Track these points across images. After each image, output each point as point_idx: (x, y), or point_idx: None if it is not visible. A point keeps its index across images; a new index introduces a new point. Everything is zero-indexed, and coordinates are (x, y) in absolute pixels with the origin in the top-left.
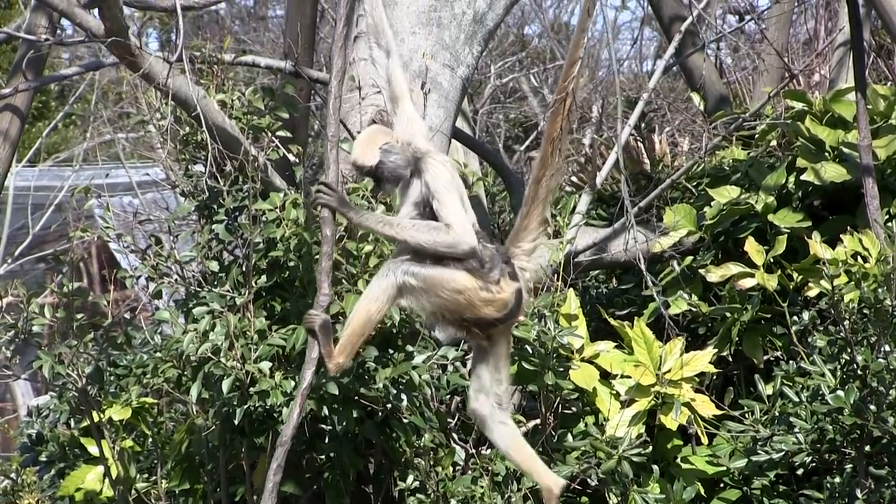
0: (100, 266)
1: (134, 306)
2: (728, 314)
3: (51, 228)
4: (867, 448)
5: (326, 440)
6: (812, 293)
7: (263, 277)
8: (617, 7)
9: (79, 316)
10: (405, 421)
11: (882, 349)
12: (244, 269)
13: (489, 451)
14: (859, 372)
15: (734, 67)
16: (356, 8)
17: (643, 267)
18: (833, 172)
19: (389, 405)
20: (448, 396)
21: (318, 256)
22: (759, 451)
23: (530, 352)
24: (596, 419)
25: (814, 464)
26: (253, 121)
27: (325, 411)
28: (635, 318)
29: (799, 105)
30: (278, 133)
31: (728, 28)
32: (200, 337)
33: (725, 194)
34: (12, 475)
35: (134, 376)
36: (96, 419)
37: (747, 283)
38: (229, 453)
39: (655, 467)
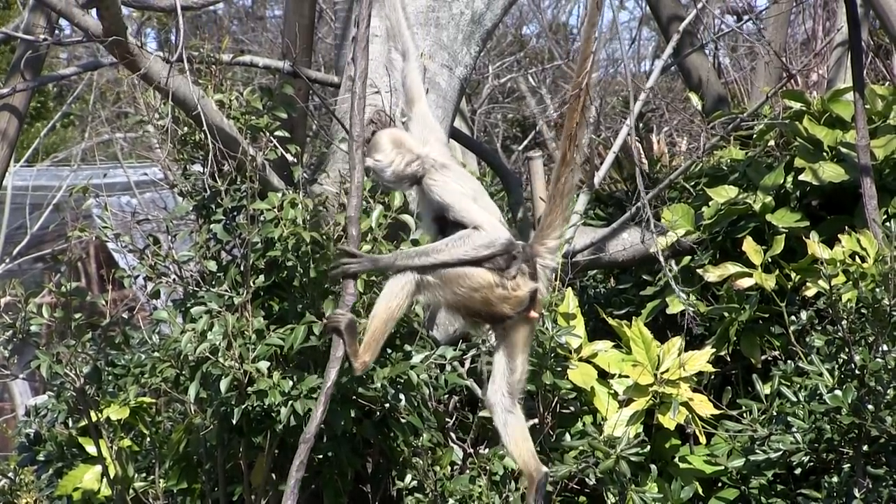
0: (98, 266)
1: (132, 306)
2: (726, 314)
3: (49, 228)
4: (865, 447)
5: (324, 439)
6: (810, 293)
7: (261, 277)
8: (615, 7)
9: (77, 315)
10: (403, 420)
11: (880, 349)
12: (242, 268)
13: (487, 450)
14: (857, 371)
15: (732, 67)
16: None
17: (661, 259)
18: (831, 172)
19: (387, 405)
20: (446, 396)
21: (316, 256)
22: (757, 451)
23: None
24: (594, 419)
25: (812, 463)
26: (251, 121)
27: None
28: (633, 317)
29: (797, 105)
30: (276, 133)
31: (726, 28)
32: (198, 336)
33: (723, 194)
34: (10, 474)
35: (132, 376)
36: (94, 419)
37: (745, 282)
38: (227, 453)
39: (653, 467)
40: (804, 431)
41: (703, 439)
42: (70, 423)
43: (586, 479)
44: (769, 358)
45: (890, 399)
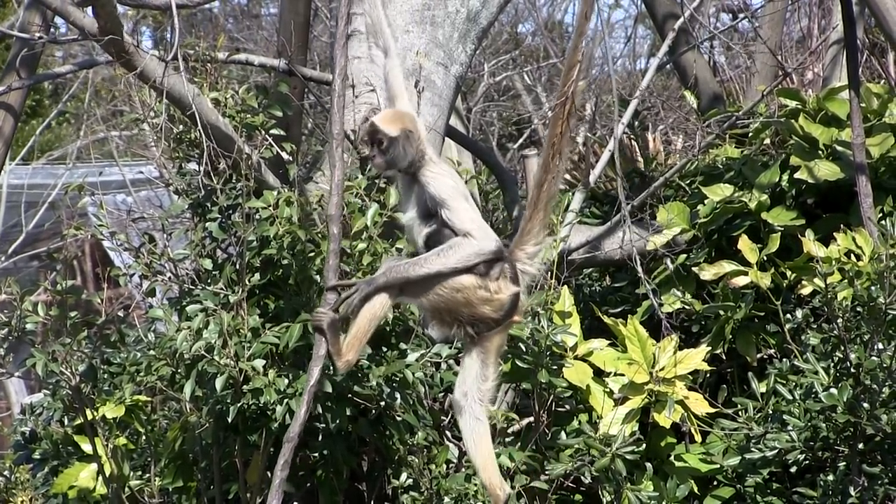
0: (93, 264)
1: (127, 304)
2: (722, 312)
3: (44, 226)
4: (860, 446)
5: (320, 438)
6: (805, 291)
7: (257, 275)
8: (610, 5)
9: (72, 314)
10: (398, 419)
11: (875, 347)
12: (238, 266)
13: None
14: (852, 370)
15: (728, 66)
16: (353, 6)
17: (637, 265)
18: (826, 170)
19: (383, 403)
20: (441, 394)
21: (312, 255)
22: (753, 449)
23: (524, 349)
24: (589, 417)
25: (807, 461)
26: (246, 119)
27: (319, 409)
28: (629, 315)
29: (792, 103)
30: (272, 131)
31: (721, 26)
32: (194, 335)
33: (719, 192)
34: (6, 473)
35: (127, 374)
36: (90, 417)
37: (741, 281)
38: (223, 451)
39: (649, 465)
40: (800, 430)
41: (698, 437)
42: (66, 422)
43: (582, 478)
44: (765, 356)
45: (885, 397)
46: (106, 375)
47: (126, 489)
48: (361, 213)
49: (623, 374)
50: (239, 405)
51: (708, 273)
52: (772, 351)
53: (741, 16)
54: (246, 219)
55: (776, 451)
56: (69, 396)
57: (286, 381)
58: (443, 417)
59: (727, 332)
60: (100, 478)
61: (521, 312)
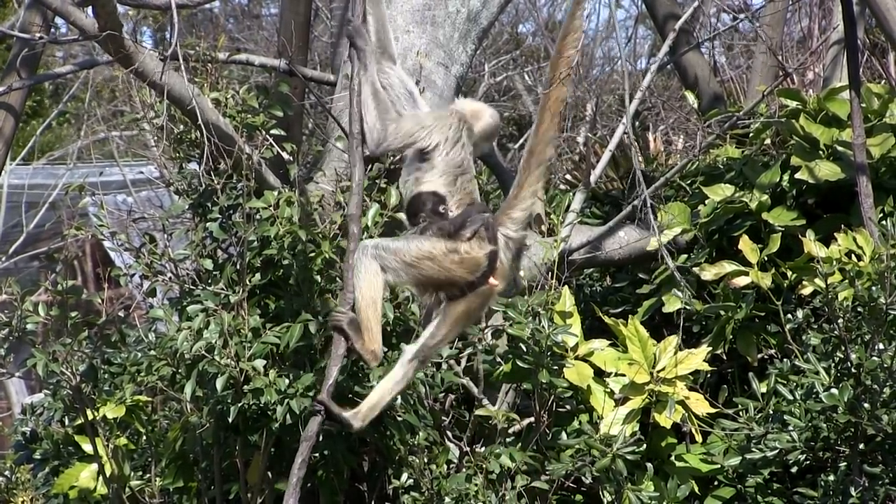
0: (94, 264)
1: (128, 304)
2: (722, 312)
3: (45, 226)
4: (861, 446)
5: (321, 438)
6: (806, 291)
7: (257, 275)
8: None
9: (73, 314)
10: (399, 419)
11: (876, 347)
12: (238, 267)
13: (483, 449)
14: (853, 370)
15: (728, 66)
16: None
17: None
18: (827, 171)
19: None
20: (442, 394)
21: (312, 255)
22: (754, 449)
23: (525, 350)
24: (590, 417)
25: (808, 462)
26: (247, 119)
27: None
28: (629, 316)
29: (793, 103)
30: (272, 131)
31: (722, 26)
32: (194, 335)
33: (720, 192)
34: (6, 473)
35: (128, 374)
36: (90, 417)
37: (741, 281)
38: (223, 451)
39: (649, 465)
40: (800, 430)
41: (699, 438)
42: (66, 422)
43: (583, 478)
44: (765, 356)
45: (886, 397)
46: (106, 375)
47: (126, 489)
48: (363, 212)
49: (624, 375)
50: (239, 405)
51: (709, 273)
52: (772, 351)
53: (742, 16)
54: (247, 219)
55: (777, 451)
56: (70, 396)
57: (287, 381)
58: (443, 418)
59: (728, 333)
60: (100, 478)
61: (502, 277)
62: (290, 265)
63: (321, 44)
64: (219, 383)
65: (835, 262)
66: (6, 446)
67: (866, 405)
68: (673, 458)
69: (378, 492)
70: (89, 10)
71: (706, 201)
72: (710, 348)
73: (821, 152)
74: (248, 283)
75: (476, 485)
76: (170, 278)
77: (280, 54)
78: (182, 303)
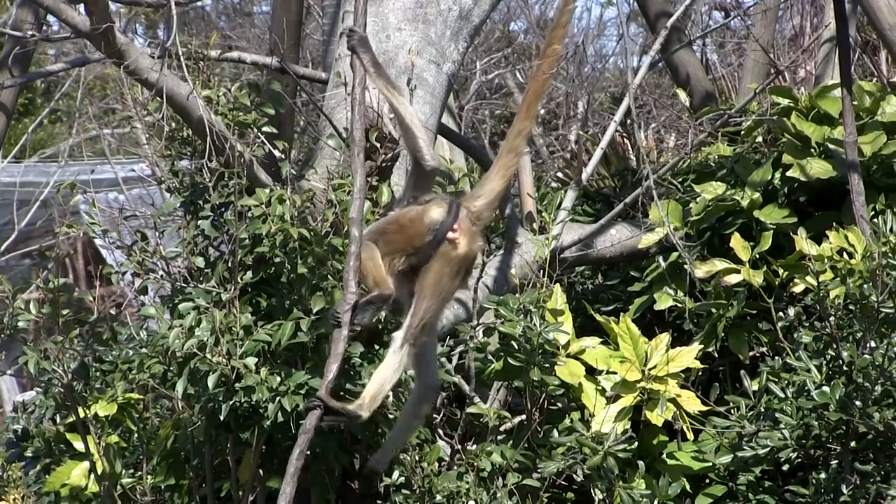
0: (85, 262)
1: (119, 302)
2: (714, 310)
3: (36, 224)
4: (853, 444)
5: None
6: (798, 289)
7: (249, 273)
8: (603, 3)
9: (64, 312)
10: (391, 417)
11: (867, 345)
12: (230, 265)
13: (475, 446)
14: (845, 368)
15: (720, 64)
16: (342, 5)
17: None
18: (819, 169)
19: None
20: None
21: (307, 253)
22: (745, 447)
23: (516, 347)
24: (581, 415)
25: (799, 460)
26: (239, 117)
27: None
28: (621, 313)
29: (785, 101)
30: (264, 129)
31: (714, 24)
32: (186, 333)
33: (711, 190)
34: None
35: (119, 372)
36: (82, 415)
37: (733, 279)
38: (215, 449)
39: (641, 463)
40: (792, 428)
41: (690, 436)
42: (57, 420)
43: (574, 476)
44: (757, 354)
45: (877, 395)
46: (98, 373)
47: (118, 487)
48: None
49: (615, 372)
50: (231, 403)
51: (700, 271)
52: (764, 349)
53: (733, 14)
54: (238, 217)
55: (768, 449)
56: (61, 394)
57: (278, 379)
58: (435, 416)
59: (719, 330)
60: (92, 476)
61: (463, 234)
62: (282, 263)
63: (313, 41)
64: (210, 381)
65: (826, 260)
66: None
67: (858, 403)
68: (664, 455)
69: (369, 490)
70: (81, 7)
71: (697, 199)
72: (702, 346)
73: (812, 150)
74: (239, 280)
75: (467, 483)
76: (161, 276)
77: (272, 52)
78: (174, 300)
